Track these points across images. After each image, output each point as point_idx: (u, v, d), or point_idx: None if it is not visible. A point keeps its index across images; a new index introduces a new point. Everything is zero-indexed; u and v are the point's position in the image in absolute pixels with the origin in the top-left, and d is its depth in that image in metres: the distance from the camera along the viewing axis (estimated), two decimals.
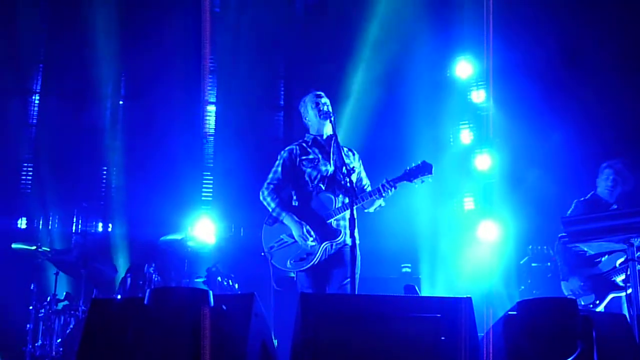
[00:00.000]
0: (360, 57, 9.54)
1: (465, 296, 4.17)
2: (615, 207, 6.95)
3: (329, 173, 5.75)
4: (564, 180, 8.23)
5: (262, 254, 5.84)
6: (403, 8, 9.56)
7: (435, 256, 9.37)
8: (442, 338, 3.97)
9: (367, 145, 5.99)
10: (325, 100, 5.89)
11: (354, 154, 6.00)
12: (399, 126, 9.47)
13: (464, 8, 9.57)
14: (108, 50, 9.78)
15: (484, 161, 9.68)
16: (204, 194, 10.19)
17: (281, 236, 5.73)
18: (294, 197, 5.88)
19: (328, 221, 5.61)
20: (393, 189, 5.55)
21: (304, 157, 5.85)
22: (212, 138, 10.42)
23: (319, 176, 5.75)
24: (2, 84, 10.08)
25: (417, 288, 7.50)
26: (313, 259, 5.57)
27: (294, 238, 5.66)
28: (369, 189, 5.82)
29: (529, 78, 8.95)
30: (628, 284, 6.41)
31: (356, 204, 5.41)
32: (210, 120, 10.56)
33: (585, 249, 6.06)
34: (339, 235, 5.58)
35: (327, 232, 5.59)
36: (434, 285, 9.18)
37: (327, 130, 5.82)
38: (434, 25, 9.58)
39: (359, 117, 9.27)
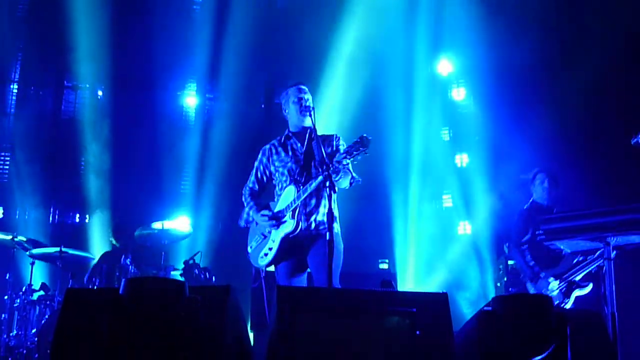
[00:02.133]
0: (342, 52, 9.53)
1: (441, 292, 4.18)
2: (554, 210, 7.18)
3: (299, 169, 5.72)
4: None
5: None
6: (386, 5, 9.57)
7: (412, 253, 9.41)
8: (417, 332, 3.98)
9: (346, 140, 5.93)
10: (308, 95, 5.84)
11: (332, 140, 5.89)
12: (379, 122, 9.47)
13: (445, 6, 9.59)
14: (88, 41, 9.71)
15: (463, 158, 9.73)
16: (182, 186, 10.17)
17: (256, 235, 5.76)
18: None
19: (286, 213, 5.58)
20: (341, 166, 5.42)
21: (275, 157, 5.85)
22: (191, 131, 10.39)
23: (288, 172, 5.73)
24: None
25: (393, 284, 7.51)
26: (274, 253, 5.57)
27: (264, 235, 5.67)
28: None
29: (507, 76, 8.99)
30: (588, 282, 6.75)
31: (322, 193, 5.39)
32: (190, 113, 10.53)
33: (562, 247, 6.11)
34: (296, 227, 5.54)
35: (284, 225, 5.58)
36: (410, 282, 9.22)
37: (307, 124, 5.78)
38: (416, 23, 9.60)
39: (339, 113, 9.27)
